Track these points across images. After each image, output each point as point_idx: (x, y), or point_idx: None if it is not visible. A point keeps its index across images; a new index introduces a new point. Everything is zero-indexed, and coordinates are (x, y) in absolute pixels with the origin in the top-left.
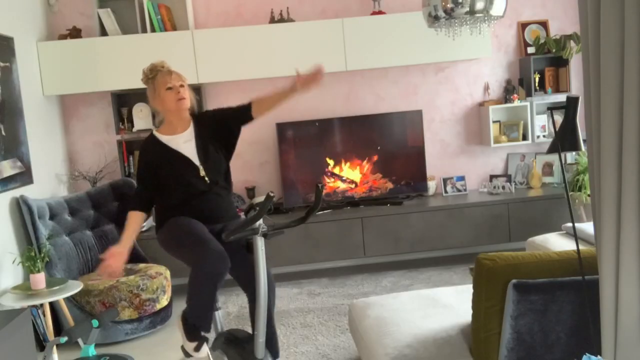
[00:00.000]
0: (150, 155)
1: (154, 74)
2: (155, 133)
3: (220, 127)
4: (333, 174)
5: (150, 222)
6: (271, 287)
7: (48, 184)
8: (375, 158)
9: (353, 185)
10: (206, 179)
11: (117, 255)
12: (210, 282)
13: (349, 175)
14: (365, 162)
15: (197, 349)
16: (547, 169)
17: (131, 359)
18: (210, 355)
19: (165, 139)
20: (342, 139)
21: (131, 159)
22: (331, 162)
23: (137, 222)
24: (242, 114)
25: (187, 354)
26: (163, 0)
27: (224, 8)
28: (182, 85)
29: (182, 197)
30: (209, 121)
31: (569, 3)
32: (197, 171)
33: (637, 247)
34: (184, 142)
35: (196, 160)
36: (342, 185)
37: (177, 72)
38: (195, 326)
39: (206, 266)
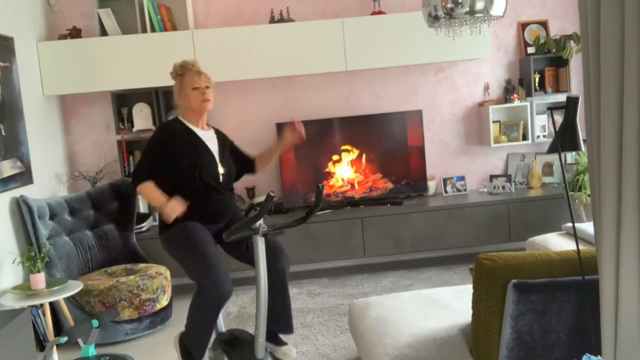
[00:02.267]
0: (174, 135)
1: (183, 70)
2: (182, 119)
3: (231, 154)
4: (332, 174)
5: (151, 222)
6: (283, 255)
7: (48, 184)
8: (375, 158)
9: (351, 186)
10: (220, 177)
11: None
12: (212, 307)
13: (349, 175)
14: (364, 162)
15: None
16: (547, 169)
17: (131, 359)
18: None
19: (191, 126)
20: (342, 139)
21: (131, 159)
22: (331, 162)
23: (154, 187)
24: (246, 164)
25: None
26: (163, 0)
27: (224, 8)
28: (207, 87)
29: (194, 189)
30: (227, 141)
31: (569, 3)
32: (216, 167)
33: (637, 247)
34: (208, 139)
35: (217, 158)
36: (340, 183)
37: (205, 74)
38: (189, 351)
39: (211, 290)
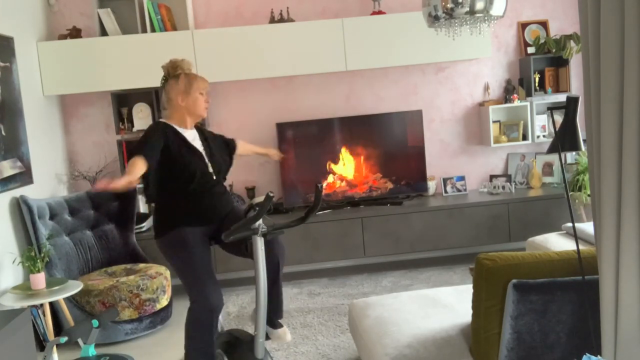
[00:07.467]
0: (166, 135)
1: (190, 70)
2: (167, 121)
3: (221, 144)
4: (332, 174)
5: (151, 222)
6: (281, 249)
7: (48, 184)
8: (375, 158)
9: (353, 185)
10: (213, 175)
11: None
12: (205, 323)
13: (349, 175)
14: (365, 162)
15: None
16: (547, 169)
17: (131, 359)
18: None
19: (179, 129)
20: (342, 139)
21: None
22: (331, 162)
23: (141, 168)
24: (230, 147)
25: None
26: (163, 0)
27: (224, 8)
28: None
29: (188, 191)
30: (211, 135)
31: (569, 3)
32: (207, 167)
33: (637, 247)
34: (193, 140)
35: (206, 157)
36: (341, 184)
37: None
38: None
39: (201, 306)
